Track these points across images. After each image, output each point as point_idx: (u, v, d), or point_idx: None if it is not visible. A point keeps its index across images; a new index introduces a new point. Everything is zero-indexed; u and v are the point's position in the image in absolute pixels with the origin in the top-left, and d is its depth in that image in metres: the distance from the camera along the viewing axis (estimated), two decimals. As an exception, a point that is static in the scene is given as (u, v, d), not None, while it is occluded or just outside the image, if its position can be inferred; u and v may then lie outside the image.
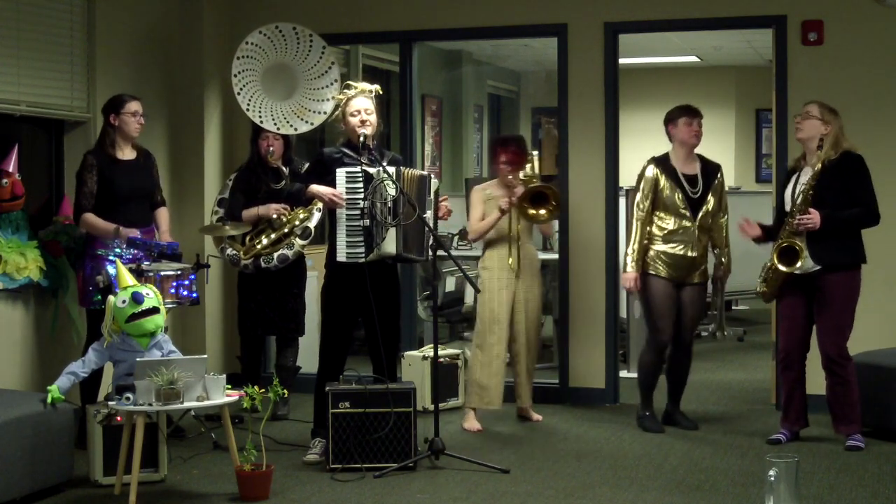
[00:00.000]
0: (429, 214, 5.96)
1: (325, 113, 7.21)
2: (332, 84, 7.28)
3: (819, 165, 6.10)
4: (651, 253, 6.65)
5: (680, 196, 6.60)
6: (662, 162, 6.70)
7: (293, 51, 7.26)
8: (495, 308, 6.79)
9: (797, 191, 6.18)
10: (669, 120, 6.72)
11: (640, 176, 6.72)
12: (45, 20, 6.69)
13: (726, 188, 6.88)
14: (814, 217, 6.05)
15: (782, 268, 6.12)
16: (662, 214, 6.63)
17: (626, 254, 6.70)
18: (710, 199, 6.64)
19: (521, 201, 6.67)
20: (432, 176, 6.13)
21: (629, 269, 6.65)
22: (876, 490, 5.40)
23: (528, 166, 6.93)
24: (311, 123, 7.26)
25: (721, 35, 10.73)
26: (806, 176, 6.18)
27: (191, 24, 7.82)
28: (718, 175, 6.72)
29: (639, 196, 6.69)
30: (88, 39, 6.99)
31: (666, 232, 6.62)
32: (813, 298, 6.21)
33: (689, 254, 6.59)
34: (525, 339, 6.88)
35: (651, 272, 6.63)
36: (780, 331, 6.37)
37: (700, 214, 6.61)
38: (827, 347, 6.18)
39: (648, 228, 6.65)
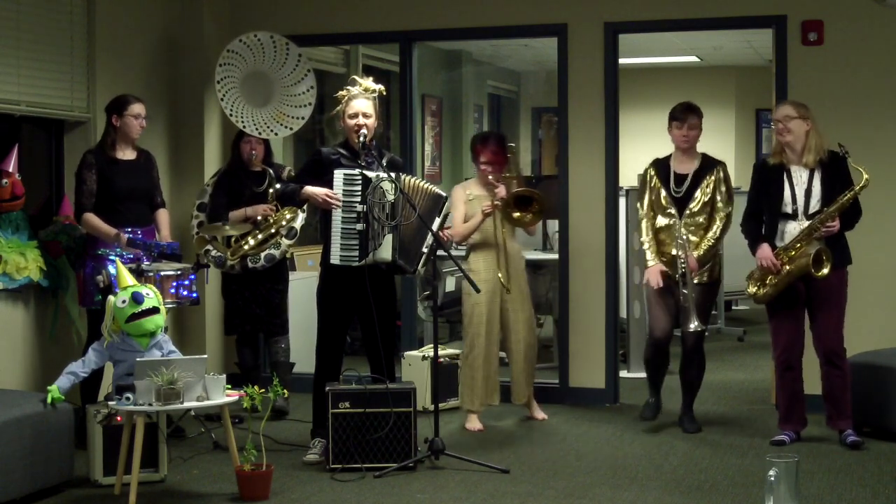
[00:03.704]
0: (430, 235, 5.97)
1: (303, 118, 7.44)
2: (308, 90, 7.43)
3: (814, 164, 6.15)
4: None
5: (664, 194, 6.62)
6: (660, 162, 6.76)
7: (270, 59, 7.40)
8: (485, 310, 6.78)
9: (797, 191, 6.17)
10: (668, 121, 6.74)
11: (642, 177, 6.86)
12: (45, 20, 6.69)
13: (732, 183, 6.79)
14: (837, 223, 6.11)
15: (819, 273, 6.07)
16: (654, 213, 6.70)
17: (642, 250, 6.74)
18: (698, 197, 6.62)
19: (504, 207, 6.67)
20: (448, 198, 6.13)
21: (650, 262, 6.65)
22: (876, 490, 5.40)
23: (511, 166, 6.93)
24: (291, 128, 7.45)
25: (721, 35, 10.72)
26: (802, 175, 6.19)
27: (191, 24, 7.82)
28: (715, 170, 6.67)
29: (640, 197, 6.80)
30: (88, 39, 6.99)
31: (656, 230, 6.68)
32: (809, 297, 6.23)
33: (677, 252, 6.59)
34: (518, 336, 6.86)
35: None
36: (781, 331, 6.33)
37: (685, 213, 6.61)
38: (829, 342, 6.20)
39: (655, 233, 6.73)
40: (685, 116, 6.65)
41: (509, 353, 6.93)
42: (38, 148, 7.00)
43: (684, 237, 6.54)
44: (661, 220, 6.66)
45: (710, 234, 6.63)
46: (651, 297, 6.74)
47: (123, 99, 6.45)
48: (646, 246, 6.69)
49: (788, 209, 6.22)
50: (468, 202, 6.82)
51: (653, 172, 6.71)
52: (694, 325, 6.51)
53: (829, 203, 6.12)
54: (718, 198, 6.64)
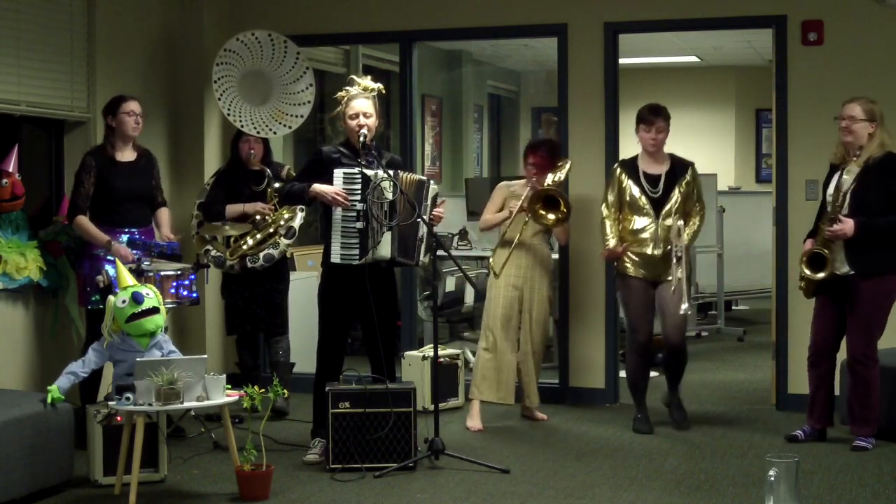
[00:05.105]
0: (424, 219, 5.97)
1: (302, 116, 7.41)
2: (307, 88, 7.42)
3: (861, 165, 6.06)
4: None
5: (641, 196, 6.61)
6: (628, 163, 6.74)
7: (268, 57, 7.38)
8: (506, 306, 6.82)
9: (836, 191, 6.13)
10: (636, 123, 6.73)
11: (609, 178, 6.84)
12: (45, 20, 6.69)
13: (701, 184, 6.80)
14: (845, 228, 6.01)
15: (808, 273, 6.12)
16: (628, 215, 6.66)
17: (604, 240, 6.68)
18: (674, 198, 6.61)
19: (531, 202, 6.69)
20: (431, 181, 6.13)
21: (611, 243, 6.63)
22: (876, 490, 5.40)
23: (558, 172, 6.88)
24: (290, 127, 7.44)
25: (721, 35, 10.72)
26: (850, 175, 6.12)
27: (191, 24, 7.82)
28: (688, 172, 6.68)
29: (605, 197, 6.74)
30: (88, 39, 6.99)
31: (631, 231, 6.64)
32: (846, 299, 6.19)
33: (654, 252, 6.57)
34: (530, 339, 6.88)
35: (627, 273, 6.66)
36: (813, 329, 6.36)
37: (662, 213, 6.60)
38: (853, 347, 6.18)
39: (619, 228, 6.69)
40: (653, 119, 6.63)
41: (522, 356, 6.93)
42: (38, 148, 7.00)
43: (680, 223, 6.53)
44: (640, 222, 6.63)
45: (689, 228, 6.64)
46: (631, 301, 6.68)
47: (116, 98, 6.47)
48: (609, 235, 6.62)
49: (829, 207, 6.20)
50: (507, 198, 6.93)
51: (623, 173, 6.67)
52: (685, 306, 6.52)
53: (858, 204, 6.04)
54: (695, 196, 6.67)
